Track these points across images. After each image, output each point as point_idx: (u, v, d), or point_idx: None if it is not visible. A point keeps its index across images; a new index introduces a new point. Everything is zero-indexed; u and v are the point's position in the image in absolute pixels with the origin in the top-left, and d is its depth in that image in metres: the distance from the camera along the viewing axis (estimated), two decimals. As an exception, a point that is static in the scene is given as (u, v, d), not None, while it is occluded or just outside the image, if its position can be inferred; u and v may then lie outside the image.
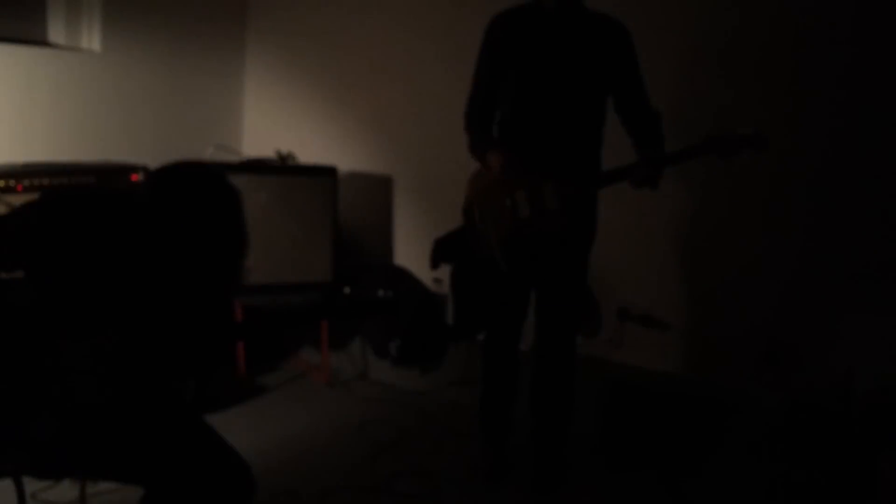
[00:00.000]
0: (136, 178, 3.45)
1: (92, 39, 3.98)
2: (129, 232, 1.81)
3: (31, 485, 2.23)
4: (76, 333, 1.70)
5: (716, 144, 2.53)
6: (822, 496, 2.77)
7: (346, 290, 2.13)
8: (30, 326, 1.68)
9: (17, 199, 2.98)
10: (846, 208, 3.19)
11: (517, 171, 2.64)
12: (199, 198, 1.84)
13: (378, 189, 4.42)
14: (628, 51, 2.67)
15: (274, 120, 4.67)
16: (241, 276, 1.94)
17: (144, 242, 1.80)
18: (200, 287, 1.88)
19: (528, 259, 2.76)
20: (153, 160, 2.55)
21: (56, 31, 3.94)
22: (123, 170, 3.48)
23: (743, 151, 2.53)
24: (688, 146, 2.59)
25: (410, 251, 4.31)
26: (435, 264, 3.76)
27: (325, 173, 3.81)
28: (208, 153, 4.08)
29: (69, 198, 1.88)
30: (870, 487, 2.71)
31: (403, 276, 4.18)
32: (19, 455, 1.73)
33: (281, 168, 3.97)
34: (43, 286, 1.69)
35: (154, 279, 1.80)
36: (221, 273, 1.90)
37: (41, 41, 3.90)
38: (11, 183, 3.07)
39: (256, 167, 3.84)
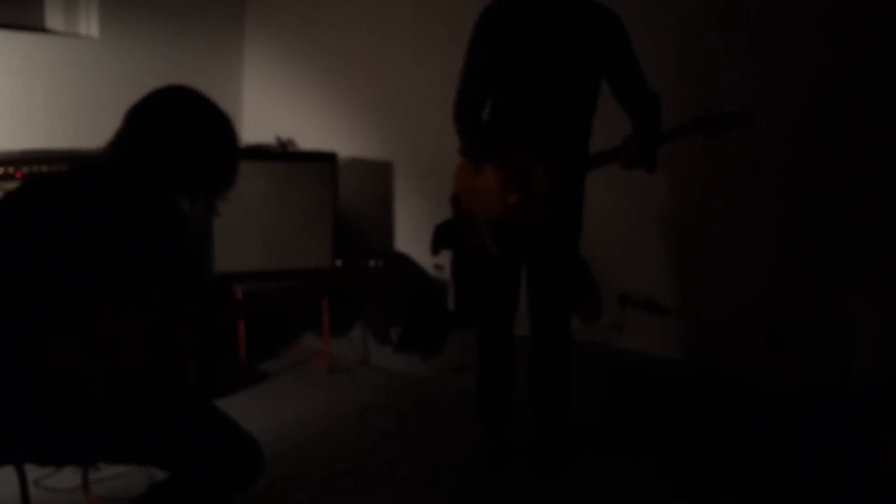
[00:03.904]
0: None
1: (90, 25, 3.96)
2: (111, 188, 1.80)
3: (33, 472, 2.23)
4: (72, 317, 1.70)
5: (702, 124, 2.51)
6: (823, 480, 2.77)
7: (338, 262, 2.14)
8: (27, 314, 1.67)
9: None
10: (847, 190, 3.18)
11: (514, 178, 2.64)
12: (172, 102, 1.85)
13: (378, 175, 4.41)
14: (620, 38, 2.67)
15: (273, 106, 4.65)
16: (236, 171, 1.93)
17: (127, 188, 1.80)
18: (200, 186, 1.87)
19: (518, 244, 2.76)
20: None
21: (54, 17, 3.92)
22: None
23: (730, 130, 2.50)
24: (674, 126, 2.58)
25: (411, 237, 4.31)
26: (436, 250, 3.74)
27: (325, 159, 3.80)
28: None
29: (43, 184, 1.86)
30: (871, 470, 2.71)
31: (404, 262, 4.18)
32: (22, 443, 1.73)
33: (281, 154, 3.96)
34: (34, 273, 1.68)
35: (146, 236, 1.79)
36: (218, 167, 1.89)
37: (39, 27, 3.88)
38: (10, 170, 3.06)
39: (256, 153, 3.83)
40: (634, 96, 2.71)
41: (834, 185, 3.20)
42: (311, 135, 4.38)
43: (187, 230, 1.95)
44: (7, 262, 1.67)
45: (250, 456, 1.89)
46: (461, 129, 2.75)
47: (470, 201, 2.78)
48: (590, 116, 2.73)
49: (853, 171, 3.16)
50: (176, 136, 1.81)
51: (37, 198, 1.77)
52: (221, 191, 1.92)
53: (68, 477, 2.56)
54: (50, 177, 2.03)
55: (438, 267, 4.12)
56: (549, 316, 2.85)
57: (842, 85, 3.14)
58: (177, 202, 1.91)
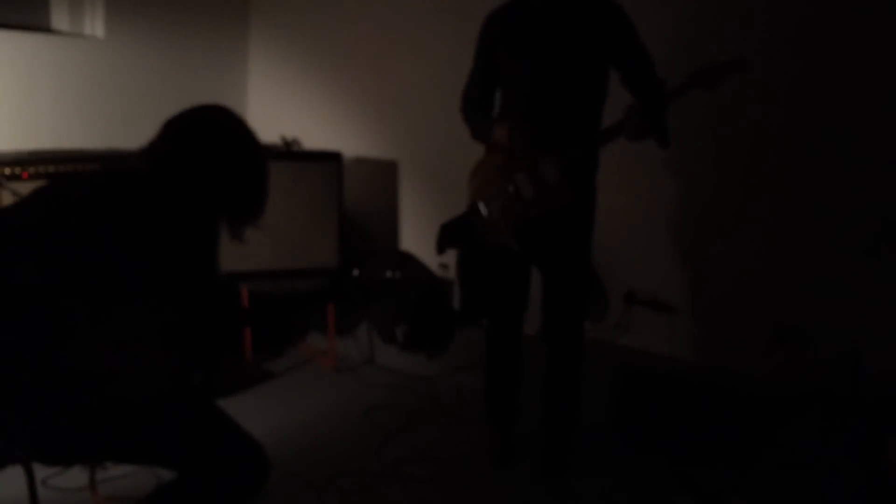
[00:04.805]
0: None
1: (95, 26, 3.96)
2: (137, 198, 1.81)
3: (41, 471, 2.24)
4: (86, 319, 1.70)
5: (700, 77, 2.52)
6: (829, 480, 2.77)
7: (355, 272, 2.13)
8: (38, 314, 1.68)
9: (23, 187, 2.98)
10: (854, 188, 3.16)
11: (524, 138, 2.65)
12: (204, 119, 1.90)
13: (384, 174, 4.41)
14: (624, 28, 2.66)
15: (278, 105, 4.66)
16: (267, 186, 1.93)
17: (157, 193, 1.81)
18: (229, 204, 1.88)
19: (537, 241, 2.76)
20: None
21: (59, 18, 3.93)
22: (128, 157, 3.47)
23: (727, 77, 2.51)
24: (674, 86, 2.57)
25: (416, 236, 4.31)
26: (441, 249, 3.75)
27: (330, 159, 3.81)
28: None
29: (69, 183, 1.87)
30: (877, 469, 2.71)
31: (409, 261, 4.17)
32: (30, 443, 1.73)
33: (286, 154, 3.97)
34: (51, 275, 1.69)
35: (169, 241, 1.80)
36: (248, 186, 1.90)
37: (44, 28, 3.89)
38: (17, 170, 3.07)
39: (261, 153, 3.83)
40: (644, 84, 2.70)
41: (841, 183, 3.19)
42: (316, 134, 4.38)
43: (209, 241, 1.95)
44: (29, 260, 1.68)
45: (255, 462, 1.89)
46: (467, 116, 2.85)
47: (488, 205, 2.78)
48: (599, 110, 2.73)
49: (860, 171, 3.15)
50: (213, 155, 1.83)
51: (62, 197, 1.78)
52: (251, 215, 1.93)
53: (76, 476, 2.57)
54: (78, 176, 2.04)
55: (444, 266, 4.12)
56: (563, 318, 2.84)
57: (843, 85, 3.13)
58: (202, 214, 1.91)
